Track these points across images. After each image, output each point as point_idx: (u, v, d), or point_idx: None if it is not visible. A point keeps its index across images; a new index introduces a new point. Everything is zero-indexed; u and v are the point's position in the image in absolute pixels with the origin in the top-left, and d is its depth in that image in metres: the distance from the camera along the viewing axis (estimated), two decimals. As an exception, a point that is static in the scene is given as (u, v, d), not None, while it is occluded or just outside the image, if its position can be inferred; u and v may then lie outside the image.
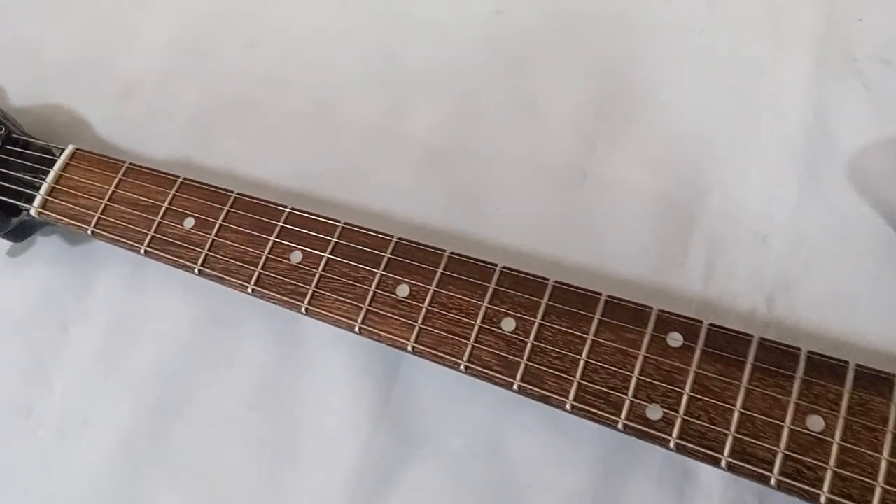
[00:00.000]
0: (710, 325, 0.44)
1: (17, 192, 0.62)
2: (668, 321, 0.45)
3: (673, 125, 0.59)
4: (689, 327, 0.44)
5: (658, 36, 0.62)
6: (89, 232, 0.58)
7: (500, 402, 0.53)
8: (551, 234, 0.58)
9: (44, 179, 0.61)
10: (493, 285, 0.48)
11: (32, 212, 0.60)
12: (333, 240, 0.52)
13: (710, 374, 0.43)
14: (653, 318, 0.45)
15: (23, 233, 0.64)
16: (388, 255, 0.51)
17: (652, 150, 0.59)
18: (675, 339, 0.44)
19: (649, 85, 0.61)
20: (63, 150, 0.63)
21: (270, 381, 0.58)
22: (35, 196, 0.61)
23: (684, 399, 0.43)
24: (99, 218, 0.58)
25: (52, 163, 0.62)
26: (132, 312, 0.63)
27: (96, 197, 0.59)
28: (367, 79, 0.67)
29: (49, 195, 0.61)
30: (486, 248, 0.57)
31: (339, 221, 0.53)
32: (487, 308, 0.48)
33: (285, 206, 0.55)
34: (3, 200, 0.62)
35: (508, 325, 0.47)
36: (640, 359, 0.44)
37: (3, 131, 0.66)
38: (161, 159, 0.68)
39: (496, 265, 0.49)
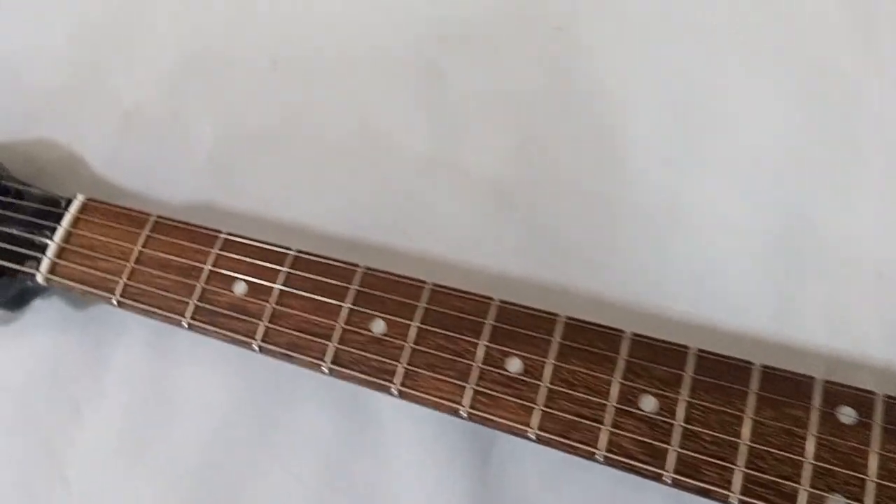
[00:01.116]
0: (886, 396, 0.39)
1: (17, 255, 0.52)
2: (835, 393, 0.39)
3: (765, 149, 0.54)
4: (860, 400, 0.39)
5: (740, 58, 0.56)
6: (114, 302, 0.49)
7: (615, 483, 0.47)
8: (647, 283, 0.51)
9: (50, 238, 0.51)
10: (624, 357, 0.42)
11: (39, 278, 0.50)
12: (421, 305, 0.45)
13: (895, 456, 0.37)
14: (818, 391, 0.39)
15: (22, 301, 0.54)
16: (490, 322, 0.44)
17: (746, 180, 0.53)
18: (846, 415, 0.39)
19: (733, 110, 0.55)
20: (70, 200, 0.53)
21: (338, 465, 0.50)
22: (41, 259, 0.51)
23: (871, 488, 0.37)
24: (125, 284, 0.49)
25: (57, 216, 0.52)
26: (158, 386, 0.54)
27: (119, 258, 0.50)
28: (413, 101, 0.59)
29: (58, 257, 0.51)
30: (584, 301, 0.50)
31: (425, 282, 0.45)
32: (622, 385, 0.41)
33: (357, 266, 0.47)
34: (6, 267, 0.52)
35: (649, 404, 0.41)
36: (812, 440, 0.38)
37: (-5, 178, 0.56)
38: (179, 204, 0.59)
39: (623, 332, 0.42)
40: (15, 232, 0.53)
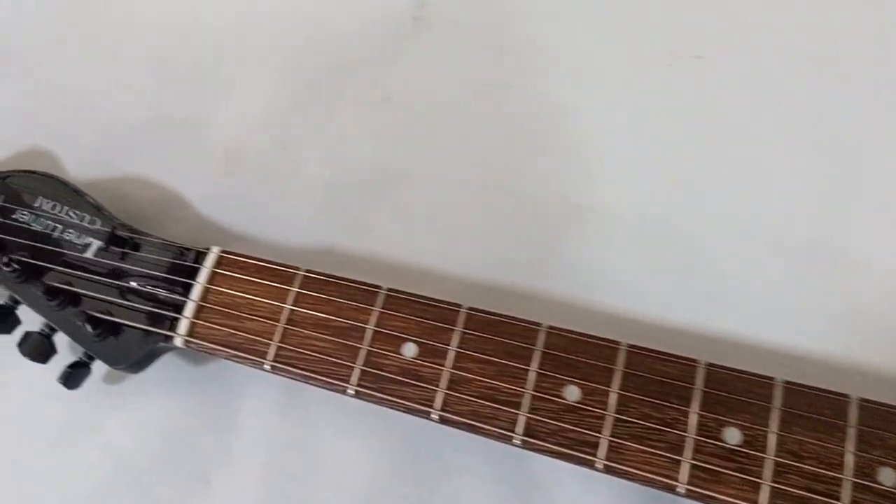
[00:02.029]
0: None
1: (147, 314, 0.48)
2: None
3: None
4: None
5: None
6: (267, 367, 0.44)
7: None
8: (838, 331, 0.48)
9: (185, 295, 0.47)
10: (853, 424, 0.38)
11: (178, 340, 0.46)
12: (619, 369, 0.41)
13: None
14: None
15: (146, 362, 0.49)
16: (699, 388, 0.40)
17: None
18: None
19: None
20: (202, 252, 0.48)
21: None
22: (178, 319, 0.46)
23: None
24: (278, 347, 0.45)
25: (190, 271, 0.47)
26: (296, 452, 0.50)
27: (268, 318, 0.45)
28: (540, 137, 0.56)
29: (197, 317, 0.46)
30: (767, 354, 0.47)
31: (618, 343, 0.42)
32: (856, 457, 0.38)
33: (539, 325, 0.43)
34: (129, 326, 0.47)
35: (889, 477, 0.37)
36: None
37: (100, 224, 0.51)
38: (296, 247, 0.55)
39: (848, 396, 0.39)
40: (142, 288, 0.48)
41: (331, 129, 0.58)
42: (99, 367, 0.51)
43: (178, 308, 0.47)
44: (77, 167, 0.60)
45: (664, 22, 0.56)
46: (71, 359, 0.51)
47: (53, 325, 0.50)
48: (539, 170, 0.54)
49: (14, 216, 0.52)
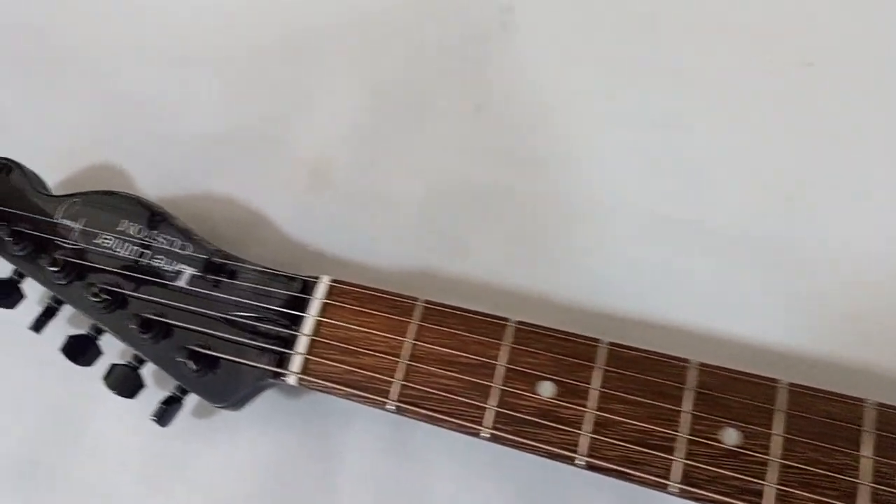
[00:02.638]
0: None
1: (254, 349, 0.44)
2: None
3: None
4: None
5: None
6: (391, 407, 0.41)
7: None
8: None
9: (294, 329, 0.43)
10: None
11: (291, 379, 0.43)
12: (780, 409, 0.38)
13: None
14: None
15: (249, 399, 0.46)
16: (871, 431, 0.37)
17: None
18: None
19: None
20: (308, 280, 0.45)
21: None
22: (290, 355, 0.43)
23: None
24: (402, 386, 0.41)
25: (298, 302, 0.44)
26: (405, 490, 0.47)
27: (388, 354, 0.42)
28: (641, 153, 0.52)
29: (310, 353, 0.43)
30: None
31: (777, 381, 0.39)
32: None
33: (687, 361, 0.40)
34: (238, 363, 0.44)
35: None
36: None
37: (192, 250, 0.47)
38: (391, 270, 0.51)
39: None
40: (245, 320, 0.45)
41: (421, 142, 0.55)
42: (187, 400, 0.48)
43: (287, 342, 0.43)
44: (149, 184, 0.56)
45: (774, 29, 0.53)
46: (156, 391, 0.48)
47: (142, 357, 0.47)
48: (652, 182, 0.51)
49: (96, 241, 0.48)
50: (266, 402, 0.49)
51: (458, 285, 0.51)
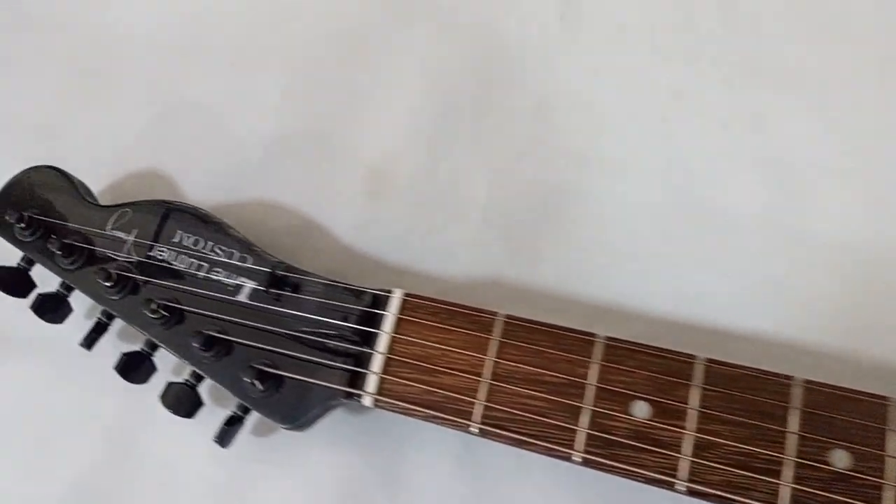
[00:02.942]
0: None
1: (324, 368, 0.42)
2: None
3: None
4: None
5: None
6: (474, 430, 0.39)
7: None
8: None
9: (366, 346, 0.41)
10: None
11: (367, 400, 0.40)
12: (892, 429, 0.36)
13: None
14: None
15: (318, 419, 0.44)
16: None
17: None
18: None
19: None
20: (378, 294, 0.43)
21: None
22: (364, 374, 0.41)
23: None
24: (485, 407, 0.39)
25: (369, 318, 0.42)
26: (478, 511, 0.45)
27: (468, 373, 0.40)
28: (734, 157, 0.49)
29: (385, 372, 0.41)
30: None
31: (888, 399, 0.37)
32: None
33: (791, 378, 0.38)
34: (310, 383, 0.42)
35: None
36: None
37: (252, 262, 0.45)
38: (458, 279, 0.49)
39: None
40: (311, 337, 0.43)
41: (485, 144, 0.52)
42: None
43: (359, 360, 0.41)
44: (198, 191, 0.54)
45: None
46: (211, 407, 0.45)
47: (201, 375, 0.45)
48: (734, 181, 0.48)
49: (151, 253, 0.46)
50: (327, 419, 0.47)
51: (530, 295, 0.48)
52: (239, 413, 0.45)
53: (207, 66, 0.57)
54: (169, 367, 0.49)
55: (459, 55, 0.54)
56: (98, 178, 0.54)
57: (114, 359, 0.46)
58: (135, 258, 0.46)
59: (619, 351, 0.39)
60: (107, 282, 0.45)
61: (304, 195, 0.53)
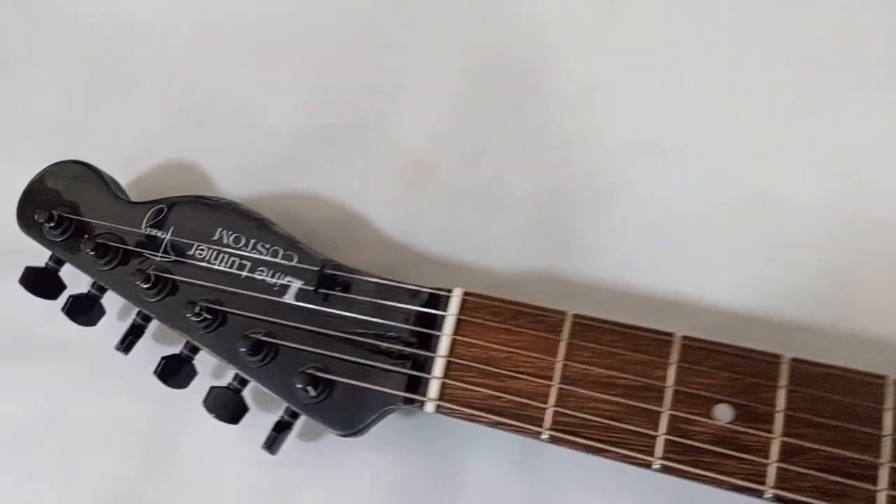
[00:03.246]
0: None
1: (378, 371, 0.40)
2: None
3: None
4: None
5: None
6: (545, 437, 0.37)
7: None
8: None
9: (424, 349, 0.39)
10: None
11: (429, 406, 0.38)
12: None
13: None
14: None
15: (373, 424, 0.42)
16: None
17: None
18: None
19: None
20: (436, 293, 0.40)
21: None
22: (424, 380, 0.38)
23: None
24: (556, 412, 0.37)
25: (427, 319, 0.39)
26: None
27: (536, 376, 0.37)
28: (785, 145, 0.47)
29: (447, 376, 0.38)
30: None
31: None
32: None
33: (883, 378, 0.35)
34: (361, 387, 0.40)
35: None
36: None
37: (297, 261, 0.43)
38: (505, 274, 0.47)
39: None
40: (364, 339, 0.40)
41: (530, 131, 0.50)
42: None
43: (417, 364, 0.39)
44: (229, 184, 0.51)
45: None
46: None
47: (246, 379, 0.43)
48: (786, 169, 0.46)
49: (189, 252, 0.44)
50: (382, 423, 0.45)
51: (583, 288, 0.46)
52: (288, 418, 0.42)
53: (231, 55, 0.54)
54: (207, 369, 0.47)
55: (500, 40, 0.52)
56: (123, 171, 0.51)
57: (147, 361, 0.45)
58: (172, 257, 0.44)
59: (697, 351, 0.37)
60: (145, 284, 0.42)
61: (341, 187, 0.50)
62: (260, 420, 0.43)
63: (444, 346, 0.39)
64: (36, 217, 0.45)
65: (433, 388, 0.38)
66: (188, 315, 0.41)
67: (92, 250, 0.43)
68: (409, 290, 0.41)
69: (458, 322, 0.39)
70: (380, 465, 0.45)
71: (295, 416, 0.42)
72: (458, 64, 0.51)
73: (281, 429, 0.42)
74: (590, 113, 0.49)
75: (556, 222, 0.48)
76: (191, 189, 0.51)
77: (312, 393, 0.39)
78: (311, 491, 0.45)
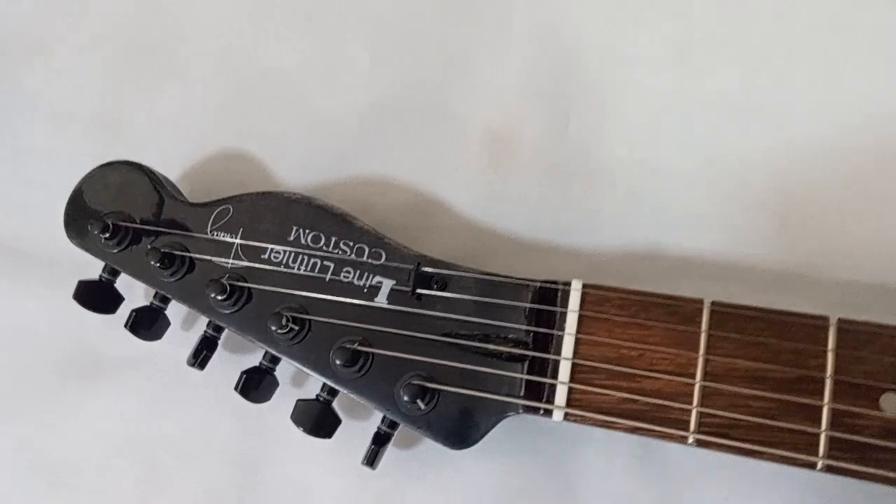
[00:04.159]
0: None
1: (491, 378, 0.36)
2: None
3: None
4: None
5: None
6: (692, 441, 0.33)
7: None
8: None
9: (548, 351, 0.35)
10: None
11: (557, 414, 0.34)
12: None
13: None
14: None
15: (485, 435, 0.38)
16: None
17: None
18: None
19: None
20: (548, 287, 0.36)
21: None
22: (546, 386, 0.35)
23: None
24: (701, 414, 0.33)
25: (536, 316, 0.36)
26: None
27: (676, 374, 0.33)
28: None
29: (574, 381, 0.35)
30: None
31: None
32: None
33: None
34: (473, 397, 0.36)
35: None
36: None
37: (386, 258, 0.38)
38: (609, 253, 0.43)
39: None
40: (471, 343, 0.36)
41: (619, 97, 0.45)
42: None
43: (535, 367, 0.35)
44: (291, 174, 0.47)
45: None
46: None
47: (335, 389, 0.39)
48: None
49: (264, 257, 0.39)
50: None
51: (693, 265, 0.42)
52: (387, 429, 0.39)
53: (282, 31, 0.48)
54: (285, 377, 0.43)
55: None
56: (171, 167, 0.46)
57: (219, 373, 0.41)
58: (245, 263, 0.40)
59: (857, 336, 0.33)
60: (220, 295, 0.38)
61: (414, 169, 0.46)
62: (348, 428, 0.40)
63: (567, 346, 0.35)
64: (89, 228, 0.40)
65: (560, 395, 0.34)
66: (273, 327, 0.37)
67: (157, 262, 0.39)
68: (516, 284, 0.37)
69: (581, 319, 0.35)
70: (488, 471, 0.41)
71: (394, 426, 0.39)
72: (531, 31, 0.46)
73: (381, 442, 0.39)
74: (685, 74, 0.44)
75: (656, 194, 0.43)
76: (248, 182, 0.47)
77: (422, 406, 0.36)
78: (419, 499, 0.42)
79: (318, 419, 0.39)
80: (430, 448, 0.41)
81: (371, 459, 0.39)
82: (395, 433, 0.39)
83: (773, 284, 0.41)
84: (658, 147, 0.44)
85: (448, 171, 0.45)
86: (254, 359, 0.41)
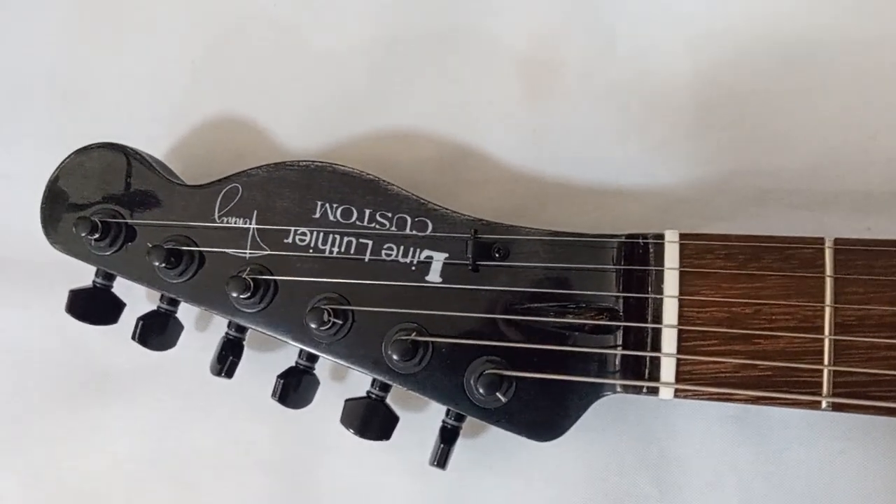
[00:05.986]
0: None
1: (578, 358, 0.31)
2: None
3: None
4: None
5: None
6: (825, 405, 0.28)
7: None
8: None
9: (644, 320, 0.30)
10: None
11: (666, 392, 0.29)
12: None
13: None
14: None
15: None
16: None
17: None
18: None
19: None
20: (636, 241, 0.30)
21: None
22: (648, 361, 0.29)
23: None
24: (836, 374, 0.28)
25: (625, 278, 0.30)
26: (777, 484, 0.35)
27: (801, 331, 0.28)
28: None
29: (681, 351, 0.29)
30: None
31: None
32: None
33: None
34: (558, 381, 0.31)
35: None
36: None
37: (431, 229, 0.32)
38: (676, 190, 0.37)
39: None
40: (548, 318, 0.31)
41: (675, 8, 0.38)
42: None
43: (631, 339, 0.30)
44: (295, 136, 0.40)
45: None
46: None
47: (388, 384, 0.33)
48: None
49: (287, 241, 0.33)
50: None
51: (776, 193, 0.36)
52: (453, 423, 0.34)
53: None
54: (323, 374, 0.38)
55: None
56: (152, 141, 0.40)
57: (248, 375, 0.36)
58: (266, 252, 0.33)
59: None
60: (243, 293, 0.32)
61: (439, 113, 0.39)
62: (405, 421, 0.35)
63: (669, 311, 0.29)
64: (75, 230, 0.34)
65: (666, 369, 0.29)
66: (312, 325, 0.32)
67: (162, 262, 0.33)
68: (594, 242, 0.31)
69: (682, 276, 0.29)
70: (567, 458, 0.36)
71: (461, 418, 0.34)
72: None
73: (449, 439, 0.33)
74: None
75: (726, 115, 0.37)
76: (247, 153, 0.40)
77: (502, 398, 0.31)
78: (495, 489, 0.37)
79: (371, 420, 0.34)
80: (496, 436, 0.37)
81: (441, 460, 0.33)
82: (463, 425, 0.34)
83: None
84: (722, 58, 0.38)
85: (480, 107, 0.39)
86: (283, 350, 0.36)
